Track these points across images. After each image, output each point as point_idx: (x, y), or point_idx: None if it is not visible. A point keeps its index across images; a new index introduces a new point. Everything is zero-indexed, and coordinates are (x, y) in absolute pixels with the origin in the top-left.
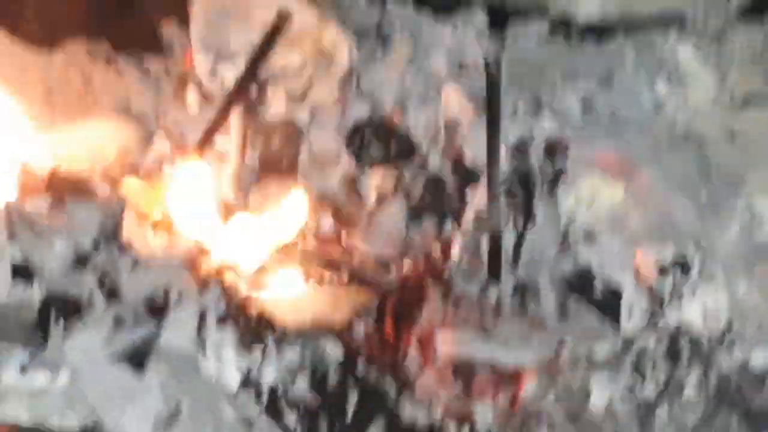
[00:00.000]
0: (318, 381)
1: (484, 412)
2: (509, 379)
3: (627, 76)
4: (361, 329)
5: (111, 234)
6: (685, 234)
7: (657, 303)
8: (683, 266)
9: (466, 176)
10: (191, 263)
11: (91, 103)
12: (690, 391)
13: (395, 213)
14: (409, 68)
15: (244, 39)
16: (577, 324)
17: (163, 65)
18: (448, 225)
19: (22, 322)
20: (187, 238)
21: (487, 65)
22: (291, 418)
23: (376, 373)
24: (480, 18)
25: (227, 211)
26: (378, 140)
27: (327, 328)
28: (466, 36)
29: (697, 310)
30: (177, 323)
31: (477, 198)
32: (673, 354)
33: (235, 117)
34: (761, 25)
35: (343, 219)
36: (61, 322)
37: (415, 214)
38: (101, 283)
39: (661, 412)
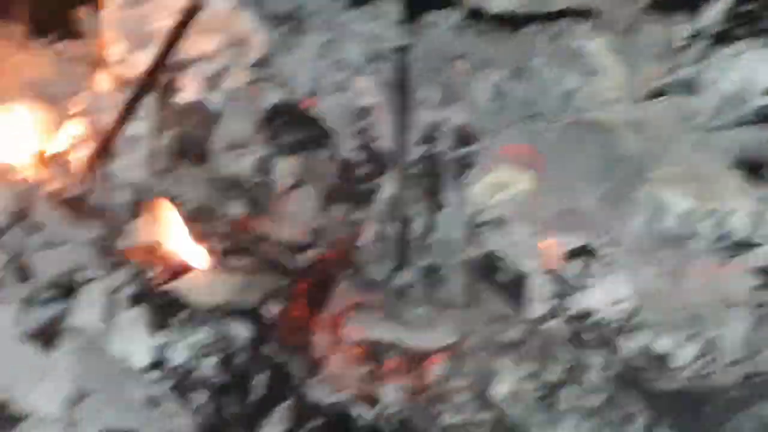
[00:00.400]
0: (226, 361)
1: (391, 394)
2: (416, 361)
3: (537, 66)
4: (270, 312)
5: (22, 213)
6: (591, 222)
7: (562, 289)
8: (588, 253)
9: (377, 163)
10: (103, 244)
11: (3, 86)
12: (593, 375)
13: (306, 198)
14: (322, 55)
15: (158, 24)
16: (483, 308)
17: (76, 49)
18: (359, 210)
19: None
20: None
21: (398, 53)
22: (199, 397)
23: (284, 355)
24: (393, 7)
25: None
26: (290, 126)
27: (236, 309)
28: (380, 24)
29: (602, 296)
30: (86, 303)
31: (387, 184)
32: (577, 339)
33: (148, 102)
34: (670, 19)
35: (254, 205)
36: None
37: (325, 200)
38: (11, 262)
39: (565, 396)
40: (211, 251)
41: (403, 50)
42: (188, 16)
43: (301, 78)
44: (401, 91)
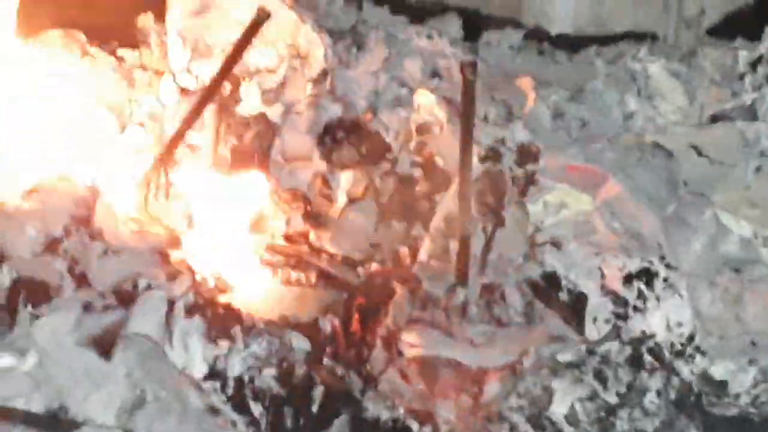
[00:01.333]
0: (284, 374)
1: (447, 411)
2: (472, 379)
3: (598, 88)
4: (327, 326)
5: (82, 221)
6: (651, 245)
7: (621, 311)
8: (648, 276)
9: (437, 179)
10: (161, 253)
11: (66, 93)
12: (651, 398)
13: (365, 214)
14: (383, 71)
15: (220, 35)
16: (541, 328)
17: (138, 57)
18: (417, 227)
19: None
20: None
21: (463, 70)
22: (256, 408)
23: (341, 369)
24: (455, 25)
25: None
26: (350, 141)
27: (294, 323)
28: (441, 42)
29: (661, 319)
30: (145, 311)
31: (447, 201)
32: (635, 361)
33: (210, 112)
34: (730, 46)
35: (312, 218)
36: (30, 305)
37: (384, 216)
38: (71, 269)
39: (622, 418)
40: (270, 264)
41: (467, 67)
42: (254, 27)
43: (361, 93)
44: (464, 107)
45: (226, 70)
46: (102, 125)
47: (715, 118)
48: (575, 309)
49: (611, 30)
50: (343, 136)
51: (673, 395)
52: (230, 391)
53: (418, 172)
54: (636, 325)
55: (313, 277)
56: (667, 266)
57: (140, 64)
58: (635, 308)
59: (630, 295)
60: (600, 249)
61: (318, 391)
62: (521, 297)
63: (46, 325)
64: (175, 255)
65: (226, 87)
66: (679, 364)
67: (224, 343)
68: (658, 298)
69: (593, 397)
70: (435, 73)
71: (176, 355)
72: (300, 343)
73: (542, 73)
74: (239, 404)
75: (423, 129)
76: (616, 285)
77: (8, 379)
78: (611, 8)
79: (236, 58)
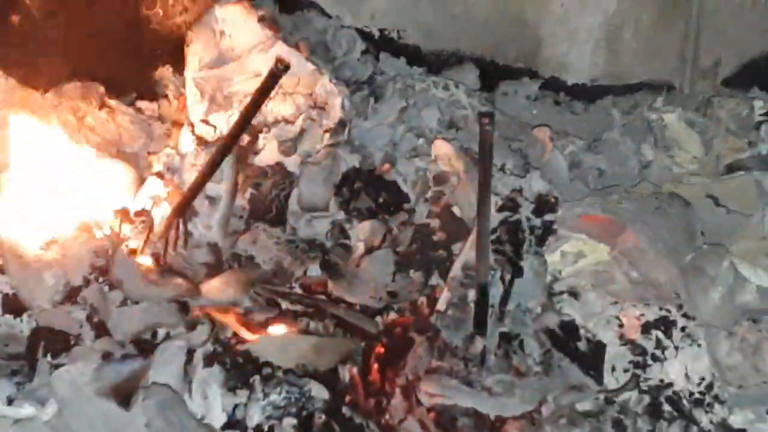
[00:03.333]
0: (303, 423)
1: None
2: (491, 429)
3: (614, 137)
4: (346, 375)
5: (101, 270)
6: (669, 294)
7: (639, 360)
8: (666, 326)
9: (454, 228)
10: (180, 302)
11: (85, 144)
12: None
13: (382, 263)
14: (400, 121)
15: (238, 87)
16: (560, 377)
17: (156, 109)
18: (435, 276)
19: (10, 354)
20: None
21: (480, 121)
22: None
23: (360, 418)
24: (471, 76)
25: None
26: (367, 191)
27: (313, 372)
28: (458, 92)
29: (679, 368)
30: (164, 361)
31: (464, 250)
32: (654, 410)
33: (227, 162)
34: (746, 96)
35: (330, 267)
36: (50, 355)
37: (402, 265)
38: (90, 318)
39: None
40: (288, 313)
41: (487, 116)
42: (271, 79)
43: (378, 143)
44: (481, 157)
45: (244, 121)
46: (120, 176)
47: (731, 168)
48: (593, 358)
49: (627, 80)
50: (360, 186)
51: None
52: None
53: (435, 222)
54: (654, 374)
55: (331, 327)
56: (685, 316)
57: (158, 116)
58: (654, 357)
59: (648, 344)
60: (618, 298)
61: None
62: (539, 346)
63: (66, 375)
64: (193, 304)
65: (244, 137)
66: (699, 413)
67: (243, 393)
68: (676, 348)
69: None
70: (452, 124)
71: (195, 404)
72: (319, 392)
73: (559, 123)
74: None
75: (440, 179)
76: (635, 334)
77: (28, 429)
78: (627, 58)
79: (254, 109)
